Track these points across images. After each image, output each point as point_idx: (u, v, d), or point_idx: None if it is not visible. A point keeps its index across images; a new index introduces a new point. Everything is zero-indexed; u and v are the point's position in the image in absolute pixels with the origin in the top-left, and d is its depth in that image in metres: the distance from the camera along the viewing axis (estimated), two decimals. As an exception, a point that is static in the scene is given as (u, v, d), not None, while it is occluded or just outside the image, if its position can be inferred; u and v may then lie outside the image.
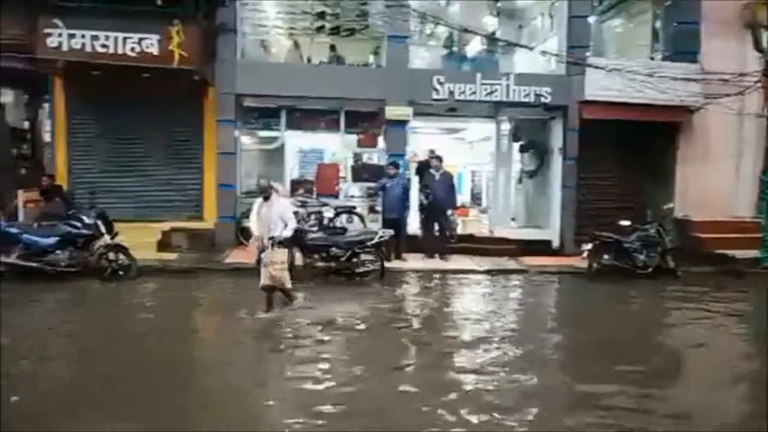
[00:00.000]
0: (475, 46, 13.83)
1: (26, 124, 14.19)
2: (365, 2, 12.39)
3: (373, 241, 9.65)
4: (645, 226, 10.82)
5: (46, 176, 10.93)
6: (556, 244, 12.41)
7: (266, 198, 7.52)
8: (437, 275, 10.32)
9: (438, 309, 8.35)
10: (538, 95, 12.02)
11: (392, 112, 11.71)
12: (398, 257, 10.73)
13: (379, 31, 12.27)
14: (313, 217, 11.11)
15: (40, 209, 10.43)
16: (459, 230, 12.09)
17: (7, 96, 13.76)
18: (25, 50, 10.14)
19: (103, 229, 9.29)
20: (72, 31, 9.99)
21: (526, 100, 12.03)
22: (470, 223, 13.54)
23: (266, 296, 7.41)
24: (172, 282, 9.33)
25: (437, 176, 11.30)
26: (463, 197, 14.82)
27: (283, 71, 12.03)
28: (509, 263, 11.30)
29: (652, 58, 12.78)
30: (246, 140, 12.42)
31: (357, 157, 13.01)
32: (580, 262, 10.72)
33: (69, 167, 11.21)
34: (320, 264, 9.62)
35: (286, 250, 7.71)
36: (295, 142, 13.04)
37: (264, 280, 7.38)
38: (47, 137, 13.01)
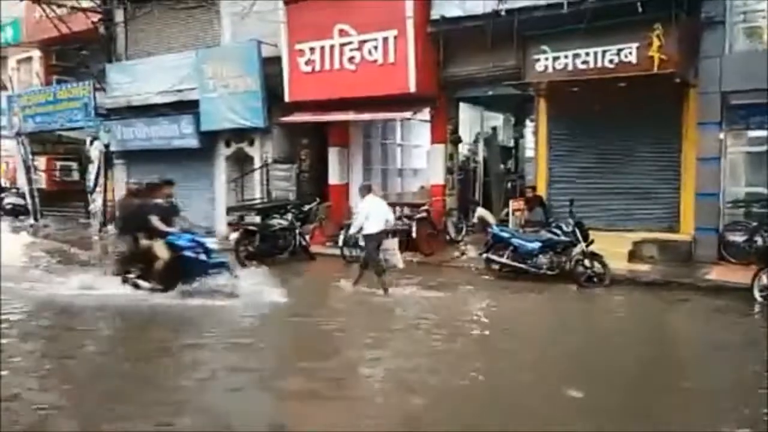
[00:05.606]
0: None
1: (512, 143, 16.46)
2: None
3: None
4: None
5: (529, 188, 12.33)
6: None
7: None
8: None
9: None
10: None
11: None
12: None
13: None
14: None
15: (524, 217, 11.81)
16: None
17: (498, 120, 16.28)
18: (515, 78, 11.64)
19: (579, 236, 9.76)
20: (556, 54, 10.92)
21: None
22: None
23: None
24: (646, 294, 9.07)
25: None
26: None
27: (785, 59, 10.06)
28: None
29: None
30: (731, 143, 10.98)
31: None
32: None
33: (548, 179, 12.11)
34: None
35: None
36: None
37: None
38: (529, 153, 14.67)
